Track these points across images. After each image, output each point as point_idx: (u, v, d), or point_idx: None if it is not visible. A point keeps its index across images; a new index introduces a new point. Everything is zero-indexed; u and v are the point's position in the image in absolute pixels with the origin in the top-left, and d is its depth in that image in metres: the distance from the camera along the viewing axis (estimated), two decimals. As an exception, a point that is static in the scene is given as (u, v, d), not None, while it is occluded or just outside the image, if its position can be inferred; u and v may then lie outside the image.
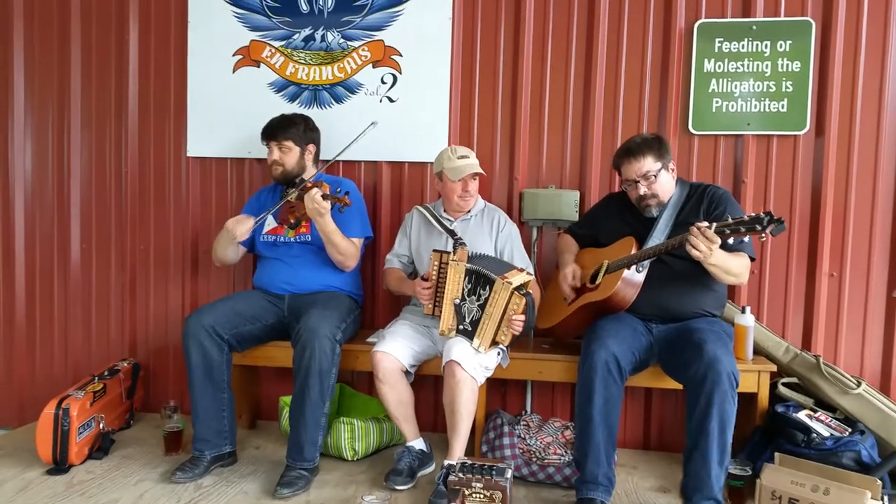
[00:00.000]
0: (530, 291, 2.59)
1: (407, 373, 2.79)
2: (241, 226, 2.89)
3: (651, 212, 2.69)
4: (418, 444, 2.80)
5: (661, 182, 2.66)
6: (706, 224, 2.30)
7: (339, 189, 2.81)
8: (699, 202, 2.69)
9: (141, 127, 3.54)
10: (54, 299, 3.66)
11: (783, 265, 3.11)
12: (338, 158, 3.15)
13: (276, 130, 3.04)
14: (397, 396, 2.74)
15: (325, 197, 2.77)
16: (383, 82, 3.34)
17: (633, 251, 2.62)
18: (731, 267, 2.47)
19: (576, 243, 3.00)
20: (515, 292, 2.52)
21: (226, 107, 3.45)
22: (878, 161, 3.02)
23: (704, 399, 2.28)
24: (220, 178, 3.52)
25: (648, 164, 2.63)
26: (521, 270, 2.68)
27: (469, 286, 2.64)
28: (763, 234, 2.18)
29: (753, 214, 2.21)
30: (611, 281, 2.64)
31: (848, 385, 2.74)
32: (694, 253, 2.32)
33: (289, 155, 3.05)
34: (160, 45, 3.50)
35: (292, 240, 3.05)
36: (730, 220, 2.27)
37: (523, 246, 3.02)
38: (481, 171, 2.92)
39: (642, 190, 2.66)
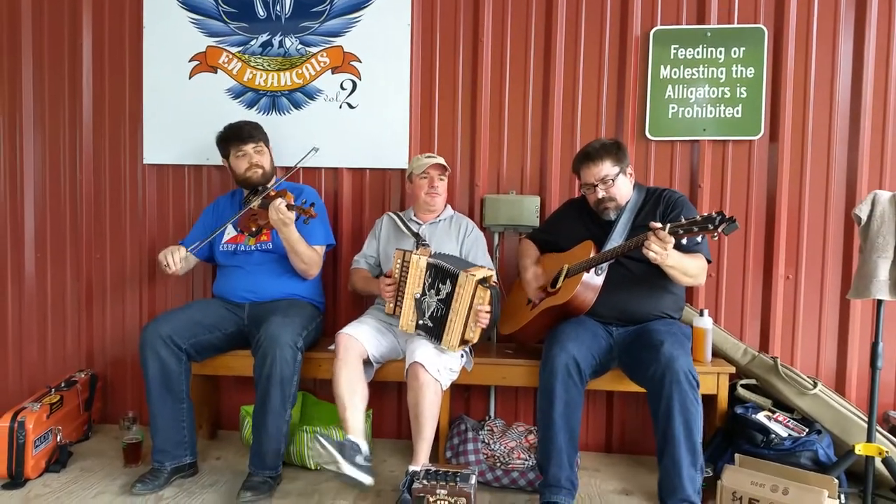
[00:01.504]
0: (494, 284, 2.61)
1: (368, 364, 2.77)
2: (173, 256, 2.81)
3: (609, 215, 2.74)
4: (361, 442, 2.56)
5: (618, 186, 2.70)
6: (660, 225, 2.33)
7: (304, 201, 2.79)
8: (656, 206, 2.73)
9: (96, 133, 3.48)
10: (8, 309, 3.57)
11: (740, 268, 3.16)
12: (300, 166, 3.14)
13: (249, 131, 3.01)
14: (351, 383, 2.62)
15: (289, 207, 2.75)
16: (343, 88, 3.33)
17: (592, 254, 2.65)
18: (688, 268, 2.51)
19: (536, 249, 3.03)
20: (480, 285, 2.54)
21: (182, 113, 3.40)
22: (831, 164, 3.09)
23: (665, 400, 2.30)
24: (177, 185, 3.47)
25: (606, 168, 2.68)
26: (482, 267, 2.69)
27: (429, 280, 2.65)
28: (716, 234, 2.22)
29: (706, 214, 2.24)
30: (570, 285, 2.67)
31: (804, 386, 2.80)
32: (650, 255, 2.35)
33: (264, 156, 3.04)
34: (115, 50, 3.45)
35: (253, 248, 3.03)
36: (683, 221, 2.30)
37: (489, 255, 3.05)
38: (443, 163, 2.95)
39: (600, 194, 2.70)
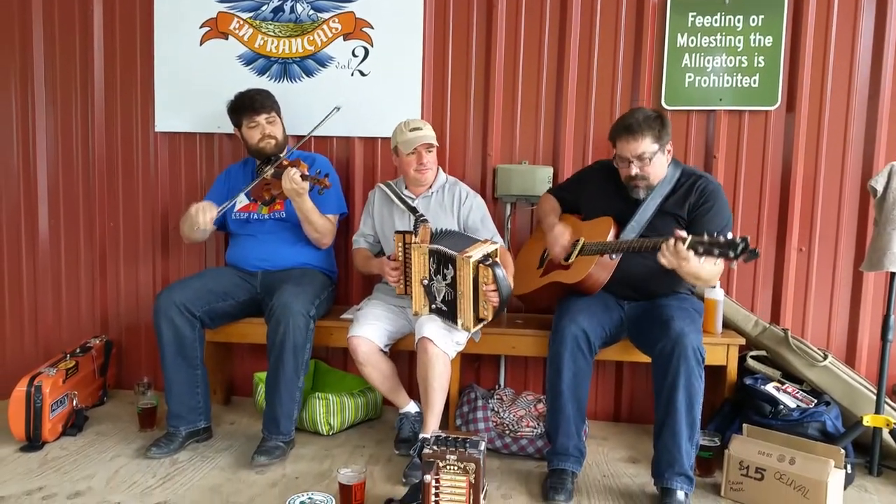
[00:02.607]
0: (497, 261, 2.50)
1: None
2: (205, 215, 2.83)
3: (639, 193, 2.61)
4: (412, 408, 2.89)
5: (654, 165, 2.55)
6: (683, 235, 2.24)
7: (318, 171, 2.79)
8: (687, 194, 2.61)
9: (107, 101, 3.47)
10: (23, 276, 3.60)
11: (753, 240, 3.12)
12: (312, 134, 3.13)
13: (261, 102, 2.98)
14: (380, 374, 2.79)
15: (303, 177, 2.75)
16: (354, 55, 3.29)
17: (611, 234, 2.59)
18: (702, 274, 2.40)
19: (559, 206, 2.95)
20: (480, 265, 2.47)
21: (194, 81, 3.38)
22: (848, 136, 3.05)
23: (671, 375, 2.30)
24: (189, 153, 3.47)
25: (646, 145, 2.51)
26: (485, 241, 2.62)
27: (434, 266, 2.61)
28: (734, 262, 2.16)
29: (730, 238, 2.15)
30: (584, 265, 2.63)
31: (815, 358, 2.80)
32: (662, 261, 2.29)
33: (276, 126, 3.02)
34: (125, 16, 3.42)
35: (266, 217, 3.03)
36: (705, 239, 2.20)
37: (491, 219, 2.98)
38: (433, 142, 2.88)
39: (634, 171, 2.56)
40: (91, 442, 2.86)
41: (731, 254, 2.14)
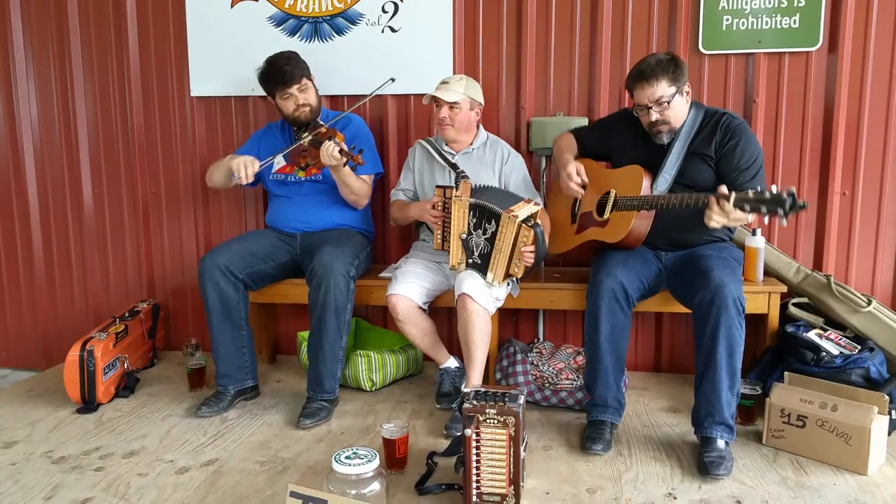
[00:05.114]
0: (538, 222, 2.54)
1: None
2: (248, 169, 2.81)
3: (662, 139, 2.59)
4: (451, 363, 2.94)
5: (674, 108, 2.53)
6: (725, 192, 2.24)
7: (353, 146, 2.78)
8: (713, 132, 2.58)
9: (143, 68, 3.50)
10: (70, 244, 3.70)
11: (794, 185, 3.07)
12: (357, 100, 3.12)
13: (290, 73, 2.90)
14: (420, 331, 2.81)
15: (341, 152, 2.73)
16: (384, 11, 3.25)
17: (644, 183, 2.56)
18: (749, 219, 2.37)
19: (576, 144, 2.89)
20: (523, 225, 2.49)
21: (226, 44, 3.38)
22: (893, 76, 2.94)
23: (711, 326, 2.28)
24: (224, 116, 3.49)
25: (662, 88, 2.49)
26: (528, 201, 2.65)
27: (474, 220, 2.63)
28: (784, 219, 2.14)
29: (776, 193, 2.14)
30: (622, 221, 2.59)
31: (858, 303, 2.76)
32: (711, 224, 2.29)
33: (309, 93, 2.98)
34: (156, -19, 3.43)
35: (303, 179, 3.06)
36: (750, 195, 2.20)
37: (530, 176, 3.00)
38: (444, 98, 2.79)
39: (654, 116, 2.55)
40: (143, 403, 2.95)
41: (780, 210, 2.14)
